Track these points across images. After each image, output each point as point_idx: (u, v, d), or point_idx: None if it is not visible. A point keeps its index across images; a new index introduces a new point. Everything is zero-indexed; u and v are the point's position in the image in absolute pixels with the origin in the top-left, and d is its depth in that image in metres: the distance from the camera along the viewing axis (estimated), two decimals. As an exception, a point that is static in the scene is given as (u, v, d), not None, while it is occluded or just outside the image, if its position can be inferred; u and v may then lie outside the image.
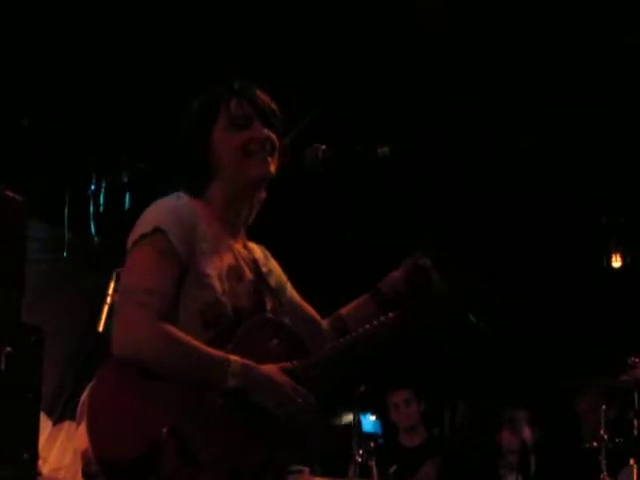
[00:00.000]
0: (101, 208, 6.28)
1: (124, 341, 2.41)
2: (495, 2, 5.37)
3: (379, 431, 7.66)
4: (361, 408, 6.24)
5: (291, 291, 2.98)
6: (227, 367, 2.46)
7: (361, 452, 5.85)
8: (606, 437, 5.35)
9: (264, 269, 2.83)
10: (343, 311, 3.02)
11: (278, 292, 2.86)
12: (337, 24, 5.45)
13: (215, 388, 2.46)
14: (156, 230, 2.51)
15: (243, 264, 2.73)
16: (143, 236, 2.51)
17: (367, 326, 2.77)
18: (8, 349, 4.00)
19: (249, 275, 2.73)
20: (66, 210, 6.28)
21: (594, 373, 5.78)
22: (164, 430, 2.35)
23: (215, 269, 2.60)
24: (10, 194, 4.27)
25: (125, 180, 6.34)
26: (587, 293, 8.01)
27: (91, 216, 6.27)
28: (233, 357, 2.49)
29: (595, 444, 5.40)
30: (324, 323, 3.01)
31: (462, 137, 6.65)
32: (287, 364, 2.61)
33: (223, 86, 2.82)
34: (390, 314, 2.83)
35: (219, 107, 2.77)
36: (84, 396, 2.42)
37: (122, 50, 5.48)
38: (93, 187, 6.28)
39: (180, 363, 2.44)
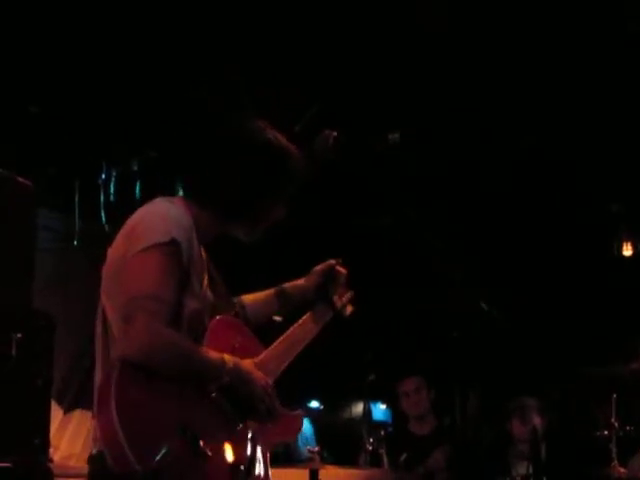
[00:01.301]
0: (111, 197, 6.30)
1: (137, 346, 2.46)
2: (495, 1, 5.35)
3: (389, 419, 7.68)
4: (371, 397, 6.24)
5: None
6: (222, 366, 2.63)
7: (371, 440, 5.87)
8: (617, 425, 5.35)
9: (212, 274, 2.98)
10: (247, 299, 3.23)
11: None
12: (336, 24, 5.44)
13: (212, 384, 2.62)
14: (173, 241, 2.59)
15: (207, 271, 2.89)
16: (159, 244, 2.57)
17: (296, 326, 3.15)
18: (18, 335, 4.01)
19: (207, 280, 2.88)
20: (77, 199, 6.30)
21: (605, 361, 5.77)
22: (176, 429, 2.46)
23: (199, 279, 2.76)
24: (19, 179, 4.27)
25: (135, 169, 6.35)
26: (598, 281, 8.00)
27: (101, 205, 6.29)
28: (227, 356, 2.66)
29: (606, 432, 5.40)
30: None
31: (464, 136, 6.65)
32: (253, 360, 2.84)
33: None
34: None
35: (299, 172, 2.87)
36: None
37: (131, 42, 5.48)
38: (103, 176, 6.30)
39: (185, 366, 2.57)
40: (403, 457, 6.12)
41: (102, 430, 2.39)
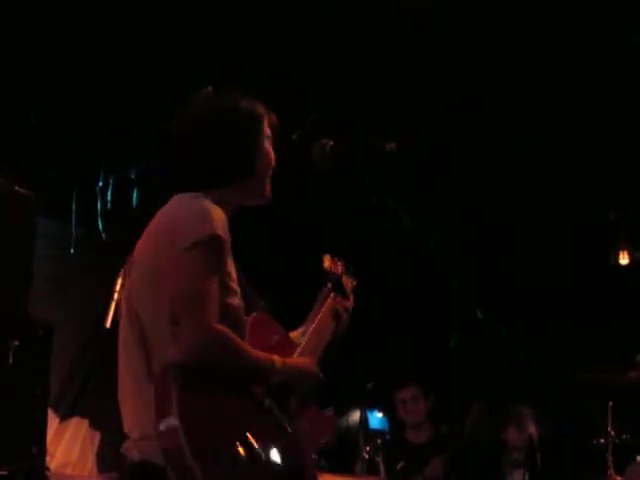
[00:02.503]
0: (109, 205, 6.29)
1: (188, 347, 2.42)
2: (495, 2, 5.36)
3: (386, 428, 7.66)
4: (368, 405, 6.25)
5: None
6: (272, 365, 2.60)
7: (368, 448, 5.87)
8: (613, 433, 5.35)
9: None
10: None
11: None
12: (336, 24, 5.45)
13: (261, 384, 2.58)
14: (217, 237, 2.53)
15: None
16: (203, 242, 2.51)
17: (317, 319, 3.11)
18: (16, 343, 4.01)
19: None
20: (74, 206, 6.29)
21: (601, 370, 5.77)
22: (233, 435, 2.42)
23: (235, 274, 2.68)
24: (19, 190, 4.28)
25: (133, 177, 6.34)
26: (594, 290, 8.00)
27: (99, 213, 6.28)
28: (275, 356, 2.63)
29: (602, 440, 5.40)
30: None
31: (464, 137, 6.66)
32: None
33: (250, 96, 2.86)
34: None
35: (264, 116, 2.84)
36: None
37: (129, 49, 5.49)
38: (101, 184, 6.29)
39: (237, 364, 2.52)
40: (400, 465, 6.13)
41: (165, 441, 2.33)
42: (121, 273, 5.15)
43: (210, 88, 2.87)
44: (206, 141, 2.75)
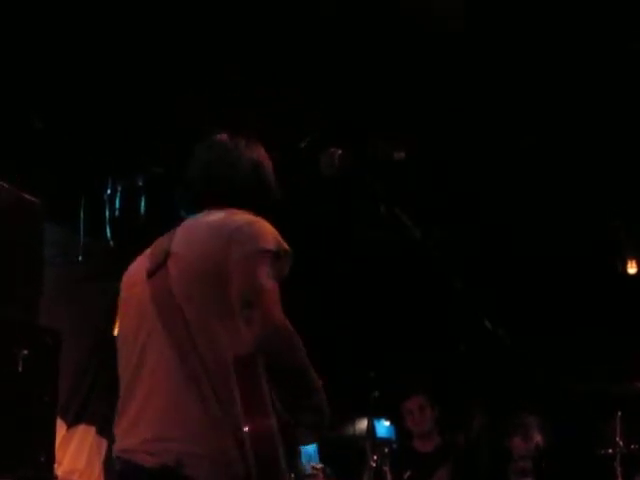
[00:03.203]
0: (116, 212, 6.30)
1: (266, 327, 2.46)
2: (497, 3, 5.36)
3: (393, 436, 7.65)
4: (375, 414, 6.24)
5: None
6: (320, 385, 2.60)
7: (375, 457, 5.86)
8: (621, 443, 5.34)
9: None
10: None
11: None
12: (336, 24, 5.45)
13: (303, 399, 2.58)
14: (289, 254, 2.64)
15: None
16: (275, 252, 2.59)
17: None
18: (25, 352, 4.01)
19: None
20: (81, 214, 6.29)
21: (609, 379, 5.77)
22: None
23: None
24: (27, 197, 4.28)
25: (140, 184, 6.35)
26: (602, 299, 7.99)
27: (106, 220, 6.28)
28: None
29: (610, 450, 5.39)
30: None
31: (464, 137, 6.65)
32: None
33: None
34: None
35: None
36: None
37: (133, 54, 5.49)
38: (109, 191, 6.30)
39: (299, 363, 2.53)
40: (407, 474, 6.12)
41: (258, 441, 2.37)
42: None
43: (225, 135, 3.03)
44: (242, 188, 2.89)
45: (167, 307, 2.61)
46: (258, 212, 2.78)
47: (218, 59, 5.56)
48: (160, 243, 2.79)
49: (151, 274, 2.69)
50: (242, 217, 2.69)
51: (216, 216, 2.74)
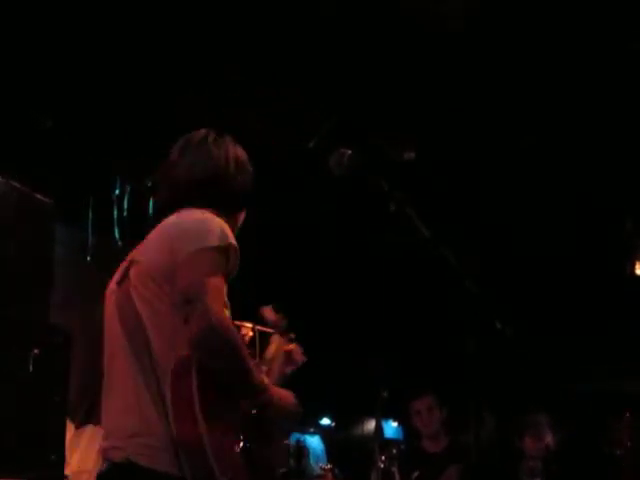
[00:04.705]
0: (125, 212, 6.30)
1: (204, 323, 2.48)
2: (497, 3, 5.36)
3: (401, 437, 7.66)
4: (383, 414, 6.23)
5: None
6: (263, 381, 2.69)
7: (383, 458, 5.85)
8: (629, 443, 5.34)
9: None
10: None
11: None
12: (336, 24, 5.45)
13: (247, 400, 2.66)
14: (234, 248, 2.68)
15: None
16: (219, 247, 2.64)
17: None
18: (36, 351, 4.01)
19: None
20: (90, 214, 6.30)
21: (618, 379, 5.77)
22: (238, 436, 2.54)
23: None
24: (39, 197, 4.29)
25: (149, 185, 6.35)
26: (610, 300, 7.98)
27: (115, 220, 6.29)
28: (266, 379, 2.74)
29: (619, 451, 5.38)
30: None
31: (464, 137, 6.65)
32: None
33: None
34: None
35: None
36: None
37: (134, 54, 5.50)
38: (117, 191, 6.30)
39: (238, 361, 2.56)
40: (415, 475, 6.11)
41: (185, 441, 2.41)
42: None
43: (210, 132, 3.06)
44: (224, 184, 2.96)
45: (127, 313, 2.73)
46: (230, 210, 2.91)
47: (218, 59, 5.57)
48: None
49: (119, 282, 2.83)
50: (191, 216, 2.76)
51: (171, 218, 2.81)
